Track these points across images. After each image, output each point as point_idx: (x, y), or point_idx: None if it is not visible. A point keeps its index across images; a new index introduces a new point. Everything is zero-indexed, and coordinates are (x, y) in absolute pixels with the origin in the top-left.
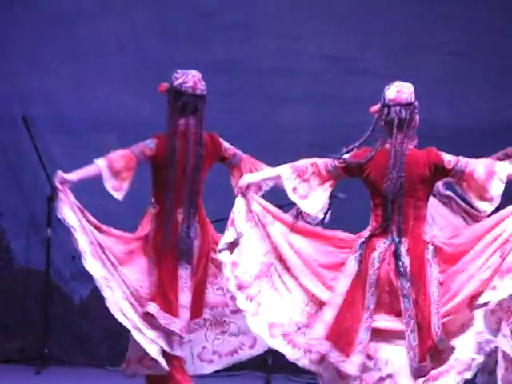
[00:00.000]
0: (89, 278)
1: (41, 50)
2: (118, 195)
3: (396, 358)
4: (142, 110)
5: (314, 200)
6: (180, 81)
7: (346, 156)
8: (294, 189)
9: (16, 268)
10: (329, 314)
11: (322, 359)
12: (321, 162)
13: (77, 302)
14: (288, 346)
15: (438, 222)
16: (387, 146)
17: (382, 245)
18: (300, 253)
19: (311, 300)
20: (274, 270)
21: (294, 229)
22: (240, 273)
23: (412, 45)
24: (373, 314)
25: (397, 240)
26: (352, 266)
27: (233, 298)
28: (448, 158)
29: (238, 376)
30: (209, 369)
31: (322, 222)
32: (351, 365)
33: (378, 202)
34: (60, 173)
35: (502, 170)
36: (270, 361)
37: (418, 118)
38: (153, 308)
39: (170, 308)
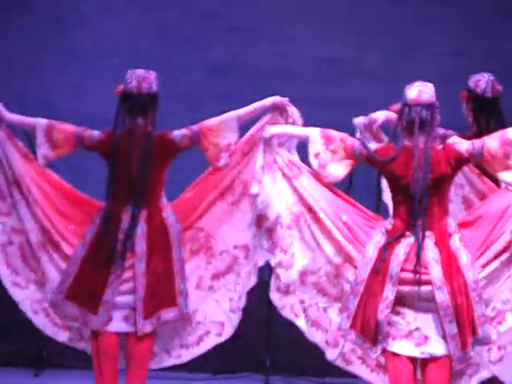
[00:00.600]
0: None
1: (38, 51)
2: (44, 163)
3: (425, 319)
4: None
5: (332, 171)
6: (125, 82)
7: (372, 147)
8: (317, 154)
9: None
10: (352, 303)
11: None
12: (350, 140)
13: None
14: (318, 294)
15: (464, 188)
16: (407, 143)
17: (407, 239)
18: (327, 205)
19: (338, 251)
20: (303, 220)
21: (321, 183)
22: (270, 226)
23: (409, 46)
24: (390, 306)
25: (422, 236)
26: (371, 255)
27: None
28: (464, 148)
29: (236, 378)
30: (240, 315)
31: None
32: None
33: (399, 199)
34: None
35: None
36: (269, 362)
37: (439, 117)
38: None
39: (89, 304)
